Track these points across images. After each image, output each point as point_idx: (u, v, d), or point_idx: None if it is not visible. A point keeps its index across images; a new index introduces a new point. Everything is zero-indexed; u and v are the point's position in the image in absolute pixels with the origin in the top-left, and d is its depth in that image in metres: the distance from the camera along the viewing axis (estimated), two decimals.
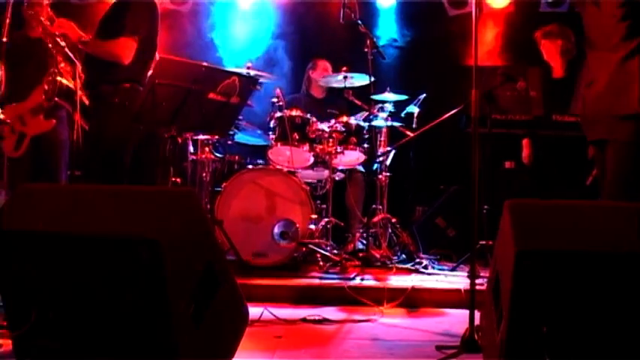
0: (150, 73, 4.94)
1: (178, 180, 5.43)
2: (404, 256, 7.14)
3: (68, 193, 3.65)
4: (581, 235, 3.08)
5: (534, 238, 3.05)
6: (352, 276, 6.21)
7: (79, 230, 3.23)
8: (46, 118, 6.78)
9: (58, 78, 5.96)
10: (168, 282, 3.04)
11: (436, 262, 7.11)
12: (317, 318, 5.11)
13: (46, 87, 6.43)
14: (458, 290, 5.71)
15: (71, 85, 5.90)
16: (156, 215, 3.18)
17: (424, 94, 7.49)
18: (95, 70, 5.61)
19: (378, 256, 6.85)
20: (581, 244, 3.07)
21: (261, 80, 7.05)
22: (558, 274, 3.02)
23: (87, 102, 5.63)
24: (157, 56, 5.58)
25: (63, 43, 5.60)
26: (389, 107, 7.30)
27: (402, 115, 7.55)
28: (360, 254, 6.87)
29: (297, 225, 6.64)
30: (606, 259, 3.03)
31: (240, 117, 6.96)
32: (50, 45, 6.04)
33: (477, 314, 4.01)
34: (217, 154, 7.20)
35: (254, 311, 4.59)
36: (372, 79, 6.98)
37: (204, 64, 5.44)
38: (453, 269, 6.77)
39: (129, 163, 5.55)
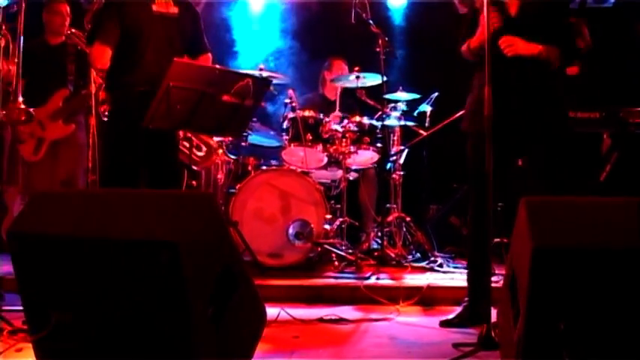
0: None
1: (194, 183, 5.46)
2: (419, 254, 7.16)
3: (87, 198, 3.68)
4: (598, 231, 3.08)
5: (551, 235, 3.05)
6: (367, 275, 6.23)
7: (98, 234, 3.26)
8: (65, 123, 6.84)
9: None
10: (188, 284, 3.06)
11: (451, 261, 7.12)
12: (333, 318, 5.12)
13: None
14: None
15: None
16: (175, 218, 3.19)
17: (437, 93, 7.52)
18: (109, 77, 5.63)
19: (392, 255, 6.87)
20: (599, 241, 3.07)
21: (274, 82, 7.08)
22: (575, 271, 3.03)
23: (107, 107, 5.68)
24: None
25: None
26: (402, 106, 7.33)
27: (415, 114, 7.57)
28: (375, 253, 6.90)
29: (312, 225, 6.67)
30: (623, 255, 3.04)
31: (254, 119, 6.99)
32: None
33: (493, 311, 4.03)
34: (231, 156, 7.24)
35: (270, 312, 4.60)
36: (385, 78, 6.99)
37: (218, 66, 5.46)
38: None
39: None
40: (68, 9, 7.09)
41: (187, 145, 6.15)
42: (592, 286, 3.04)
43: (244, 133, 7.06)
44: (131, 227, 3.23)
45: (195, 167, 6.53)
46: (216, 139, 6.85)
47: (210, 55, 5.74)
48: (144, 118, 4.95)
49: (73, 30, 6.25)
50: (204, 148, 5.92)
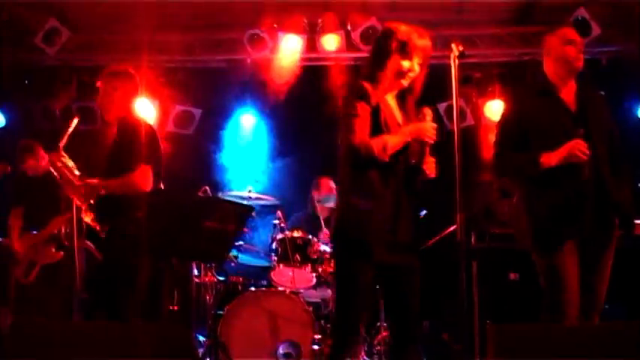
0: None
1: (175, 308, 5.49)
2: None
3: (68, 328, 3.76)
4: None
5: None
6: None
7: None
8: (56, 249, 6.92)
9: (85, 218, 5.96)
10: None
11: None
12: None
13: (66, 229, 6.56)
14: None
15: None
16: (146, 351, 3.25)
17: (424, 211, 7.57)
18: (109, 204, 5.63)
19: None
20: None
21: (262, 202, 7.19)
22: None
23: (101, 235, 5.63)
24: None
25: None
26: None
27: None
28: None
29: (301, 346, 6.66)
30: None
31: (241, 241, 7.09)
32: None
33: None
34: (220, 277, 7.28)
35: None
36: None
37: (200, 193, 5.59)
38: None
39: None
40: (42, 151, 7.28)
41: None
42: None
43: (233, 254, 7.13)
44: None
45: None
46: None
47: None
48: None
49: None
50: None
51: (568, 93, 5.10)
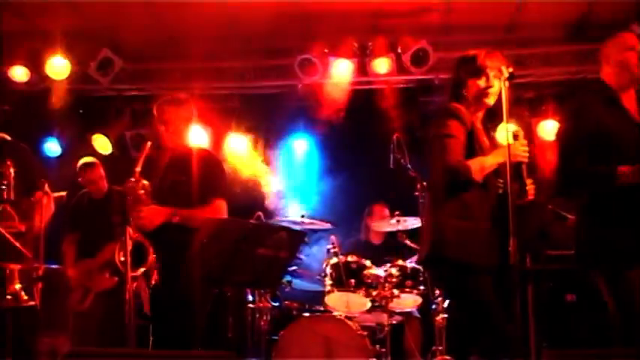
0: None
1: (230, 335, 5.48)
2: None
3: (119, 356, 3.79)
4: None
5: None
6: None
7: None
8: (111, 275, 6.95)
9: None
10: None
11: None
12: None
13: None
14: None
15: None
16: None
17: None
18: (165, 231, 5.58)
19: None
20: None
21: (316, 228, 7.19)
22: None
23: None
24: None
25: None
26: None
27: None
28: None
29: None
30: None
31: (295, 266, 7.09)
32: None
33: None
34: (274, 303, 7.28)
35: None
36: None
37: (253, 219, 5.57)
38: None
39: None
40: (102, 170, 7.35)
41: None
42: None
43: (286, 280, 7.13)
44: None
45: None
46: None
47: None
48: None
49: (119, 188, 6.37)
50: None
51: (630, 102, 4.94)
